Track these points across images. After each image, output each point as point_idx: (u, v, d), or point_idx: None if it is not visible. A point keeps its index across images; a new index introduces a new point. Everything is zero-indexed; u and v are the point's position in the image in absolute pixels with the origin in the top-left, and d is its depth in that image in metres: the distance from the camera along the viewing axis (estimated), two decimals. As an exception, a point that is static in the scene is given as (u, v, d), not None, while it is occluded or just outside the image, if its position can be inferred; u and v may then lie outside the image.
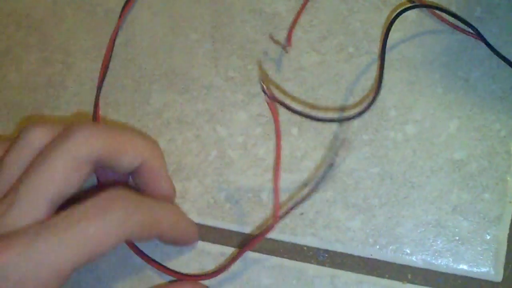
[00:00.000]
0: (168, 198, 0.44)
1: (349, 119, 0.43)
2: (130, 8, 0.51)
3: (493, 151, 0.44)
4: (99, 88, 0.48)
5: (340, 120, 0.44)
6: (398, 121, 0.45)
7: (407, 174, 0.44)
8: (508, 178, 0.43)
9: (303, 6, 0.47)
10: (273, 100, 0.38)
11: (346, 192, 0.44)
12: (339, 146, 0.45)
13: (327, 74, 0.47)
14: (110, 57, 0.49)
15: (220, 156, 0.46)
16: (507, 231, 0.43)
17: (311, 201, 0.45)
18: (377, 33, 0.47)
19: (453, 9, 0.47)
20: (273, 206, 0.46)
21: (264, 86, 0.37)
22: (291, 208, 0.42)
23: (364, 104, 0.45)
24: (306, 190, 0.45)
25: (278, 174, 0.41)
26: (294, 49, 0.48)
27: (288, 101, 0.46)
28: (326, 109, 0.46)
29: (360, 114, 0.42)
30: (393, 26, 0.45)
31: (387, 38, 0.44)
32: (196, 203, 0.46)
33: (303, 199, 0.42)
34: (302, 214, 0.44)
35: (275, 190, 0.40)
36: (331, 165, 0.41)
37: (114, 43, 0.50)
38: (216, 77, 0.48)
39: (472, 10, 0.47)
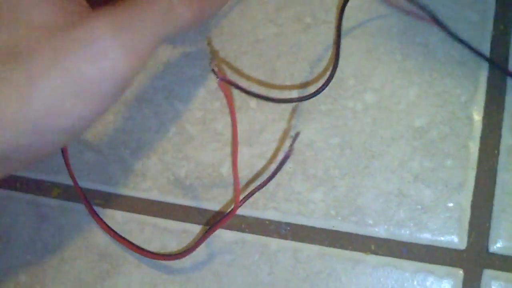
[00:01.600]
0: None
1: (303, 99, 0.41)
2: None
3: (454, 117, 0.43)
4: None
5: (295, 101, 0.43)
6: (356, 90, 0.44)
7: (367, 144, 0.43)
8: (470, 144, 0.42)
9: None
10: (224, 81, 0.37)
11: (306, 164, 0.43)
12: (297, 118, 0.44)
13: (285, 45, 0.45)
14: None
15: (179, 132, 0.45)
16: (470, 198, 0.42)
17: (271, 174, 0.43)
18: (334, 2, 0.45)
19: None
20: (234, 191, 0.44)
21: (215, 67, 0.36)
22: (253, 193, 0.41)
23: (321, 82, 0.43)
24: (271, 169, 0.44)
25: (236, 162, 0.41)
26: (251, 21, 0.46)
27: (243, 80, 0.45)
28: (282, 87, 0.45)
29: (315, 94, 0.41)
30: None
31: (342, 17, 0.43)
32: (157, 180, 0.45)
33: (266, 182, 0.41)
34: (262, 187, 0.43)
35: (234, 174, 0.40)
36: (288, 156, 0.40)
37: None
38: (173, 52, 0.47)
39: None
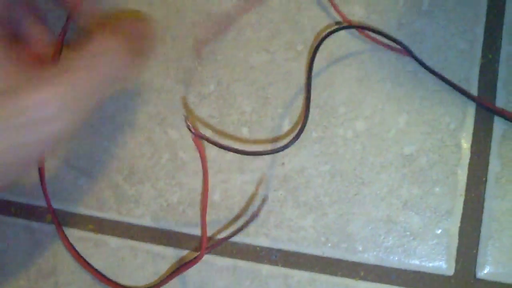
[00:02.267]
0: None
1: (277, 151, 0.42)
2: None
3: (443, 144, 0.43)
4: None
5: (268, 153, 0.43)
6: (347, 117, 0.45)
7: (357, 171, 0.44)
8: (458, 171, 0.43)
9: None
10: (199, 138, 0.37)
11: (297, 190, 0.44)
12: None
13: (277, 72, 0.46)
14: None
15: (172, 159, 0.46)
16: (458, 225, 0.42)
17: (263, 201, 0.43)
18: (325, 29, 0.46)
19: (400, 3, 0.46)
20: (201, 237, 0.45)
21: (190, 124, 0.36)
22: (220, 243, 0.43)
23: (292, 135, 0.44)
24: (240, 223, 0.44)
25: (205, 211, 0.42)
26: (244, 48, 0.47)
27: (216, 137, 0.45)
28: (258, 141, 0.45)
29: (288, 145, 0.42)
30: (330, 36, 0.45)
31: (313, 62, 0.44)
32: (150, 206, 0.46)
33: (236, 232, 0.42)
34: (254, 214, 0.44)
35: (203, 225, 0.41)
36: (264, 201, 0.41)
37: (62, 44, 0.49)
38: (167, 79, 0.47)
39: (419, 3, 0.46)
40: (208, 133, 0.44)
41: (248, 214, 0.43)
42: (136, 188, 0.44)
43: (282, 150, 0.41)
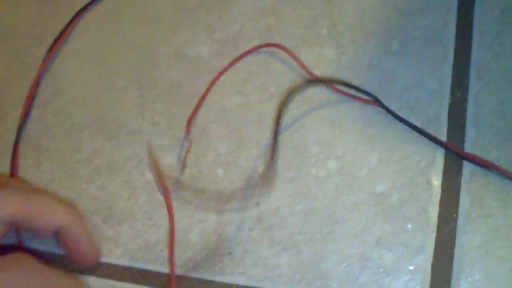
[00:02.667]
0: (91, 261, 0.44)
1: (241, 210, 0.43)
2: (57, 56, 0.51)
3: (414, 182, 0.44)
4: (17, 140, 0.50)
5: (237, 210, 0.45)
6: (320, 157, 0.46)
7: (331, 209, 0.45)
8: (430, 208, 0.44)
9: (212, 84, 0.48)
10: (167, 194, 0.38)
11: (272, 230, 0.45)
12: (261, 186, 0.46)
13: (251, 114, 0.47)
14: (30, 106, 0.50)
15: (149, 201, 0.47)
16: (430, 260, 0.43)
17: (239, 240, 0.45)
18: (298, 72, 0.47)
19: (371, 44, 0.48)
20: (169, 279, 0.46)
21: (159, 182, 0.38)
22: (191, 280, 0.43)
23: (283, 149, 0.46)
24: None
25: (173, 259, 0.43)
26: (218, 91, 0.48)
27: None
28: (227, 195, 0.47)
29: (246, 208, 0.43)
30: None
31: (279, 127, 0.45)
32: (128, 247, 0.46)
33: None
34: (230, 253, 0.45)
35: (171, 270, 0.43)
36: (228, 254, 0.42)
37: (36, 90, 0.50)
38: (143, 122, 0.48)
39: (389, 44, 0.48)
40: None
41: (224, 253, 0.43)
42: (115, 229, 0.45)
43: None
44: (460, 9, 0.46)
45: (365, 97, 0.45)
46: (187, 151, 0.45)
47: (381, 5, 0.47)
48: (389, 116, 0.44)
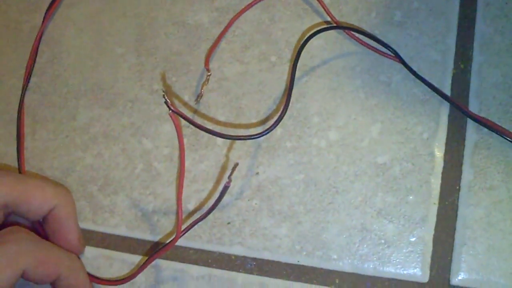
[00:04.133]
0: (74, 249, 0.43)
1: (252, 138, 0.42)
2: (53, 23, 0.51)
3: (416, 153, 0.44)
4: (20, 106, 0.49)
5: (241, 139, 0.44)
6: (321, 127, 0.45)
7: (331, 180, 0.44)
8: (432, 180, 0.43)
9: (222, 34, 0.48)
10: (174, 113, 0.37)
11: (272, 200, 0.44)
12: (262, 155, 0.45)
13: (250, 83, 0.46)
14: (30, 74, 0.50)
15: (146, 169, 0.46)
16: (432, 232, 0.42)
17: (237, 210, 0.44)
18: (299, 41, 0.46)
19: (373, 14, 0.47)
20: (176, 220, 0.45)
21: (167, 99, 0.37)
22: (193, 225, 0.42)
23: (262, 126, 0.45)
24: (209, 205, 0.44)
25: (181, 189, 0.40)
26: (218, 60, 0.47)
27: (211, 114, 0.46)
28: (248, 125, 0.46)
29: (261, 135, 0.42)
30: (315, 36, 0.45)
31: (298, 61, 0.44)
32: (125, 216, 0.45)
33: (206, 214, 0.42)
34: (229, 223, 0.44)
35: (178, 205, 0.40)
36: (227, 187, 0.41)
37: (35, 59, 0.50)
38: (141, 90, 0.47)
39: (392, 15, 0.47)
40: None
41: (222, 223, 0.43)
42: (111, 198, 0.44)
43: (266, 133, 0.42)
44: (464, -21, 0.45)
45: (384, 50, 0.45)
46: (206, 81, 0.45)
47: (384, -25, 0.46)
48: (392, 86, 0.45)
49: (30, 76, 0.48)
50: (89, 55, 0.48)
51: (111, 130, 0.45)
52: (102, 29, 0.48)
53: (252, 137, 0.41)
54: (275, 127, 0.41)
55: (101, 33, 0.48)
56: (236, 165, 0.38)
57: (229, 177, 0.38)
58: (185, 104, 0.45)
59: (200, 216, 0.41)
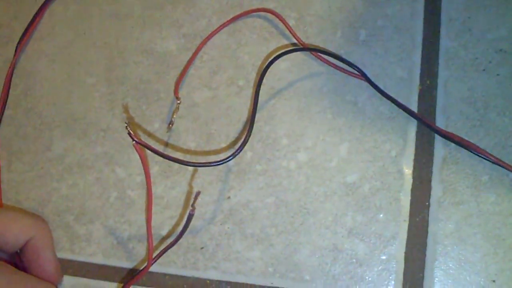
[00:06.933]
0: (52, 279, 0.43)
1: (212, 165, 0.43)
2: (26, 56, 0.51)
3: (385, 171, 0.44)
4: None
5: (205, 165, 0.44)
6: (290, 149, 0.45)
7: (302, 201, 0.44)
8: (401, 197, 0.43)
9: (190, 62, 0.48)
10: (138, 143, 0.38)
11: (244, 223, 0.44)
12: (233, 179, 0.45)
13: (219, 108, 0.47)
14: (4, 106, 0.50)
15: (120, 197, 0.46)
16: (403, 249, 0.43)
17: (210, 235, 0.44)
18: (265, 65, 0.47)
19: (338, 34, 0.47)
20: (147, 248, 0.45)
21: (130, 130, 0.37)
22: (164, 251, 0.42)
23: (231, 151, 0.45)
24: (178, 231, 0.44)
25: (150, 218, 0.41)
26: (187, 86, 0.48)
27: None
28: (217, 151, 0.46)
29: (225, 161, 0.42)
30: (281, 58, 0.45)
31: (261, 84, 0.44)
32: (101, 244, 0.46)
33: (175, 241, 0.42)
34: (202, 248, 0.44)
35: (148, 233, 0.40)
36: (191, 215, 0.41)
37: (8, 92, 0.50)
38: (113, 119, 0.48)
39: (357, 34, 0.47)
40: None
41: (196, 248, 0.43)
42: (86, 227, 0.45)
43: (230, 159, 0.43)
44: (427, -4, 0.45)
45: (351, 70, 0.45)
46: (176, 109, 0.45)
47: (349, -5, 0.46)
48: (358, 105, 0.45)
49: (4, 109, 0.48)
50: (62, 86, 0.48)
51: (85, 160, 0.46)
52: (73, 60, 0.49)
53: (218, 163, 0.42)
54: (239, 152, 0.41)
55: (73, 64, 0.49)
56: (199, 193, 0.39)
57: (192, 205, 0.38)
58: (156, 131, 0.45)
59: (170, 244, 0.41)
